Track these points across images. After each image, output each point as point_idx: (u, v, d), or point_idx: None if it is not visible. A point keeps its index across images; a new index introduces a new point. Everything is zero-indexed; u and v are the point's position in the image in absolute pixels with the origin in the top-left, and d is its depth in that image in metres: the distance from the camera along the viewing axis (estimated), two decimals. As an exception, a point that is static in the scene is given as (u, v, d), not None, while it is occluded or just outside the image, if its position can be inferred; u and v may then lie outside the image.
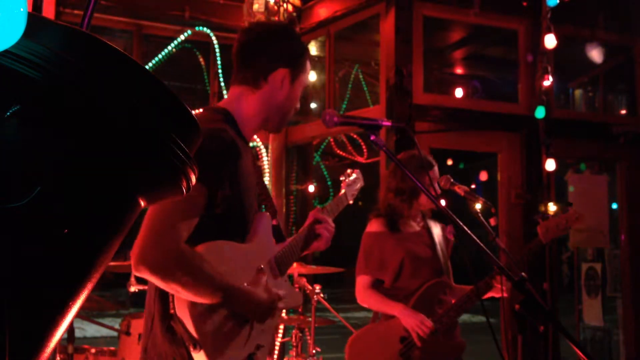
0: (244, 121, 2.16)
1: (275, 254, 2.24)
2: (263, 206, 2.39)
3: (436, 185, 3.32)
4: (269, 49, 2.19)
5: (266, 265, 2.18)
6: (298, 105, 2.30)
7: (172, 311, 1.96)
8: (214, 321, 1.99)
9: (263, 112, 2.19)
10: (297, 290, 2.49)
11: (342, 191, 2.73)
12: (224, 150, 2.00)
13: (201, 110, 2.25)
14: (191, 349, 1.93)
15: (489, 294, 3.40)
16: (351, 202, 2.80)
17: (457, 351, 3.46)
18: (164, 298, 2.00)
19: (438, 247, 3.52)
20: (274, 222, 2.28)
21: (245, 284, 2.05)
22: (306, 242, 2.36)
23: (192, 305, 1.93)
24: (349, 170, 2.82)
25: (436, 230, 3.59)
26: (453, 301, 3.44)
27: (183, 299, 1.93)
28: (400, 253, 3.43)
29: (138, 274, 1.87)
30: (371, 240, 3.52)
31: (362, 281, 3.50)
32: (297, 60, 2.22)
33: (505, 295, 3.30)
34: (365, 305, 3.52)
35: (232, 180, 2.02)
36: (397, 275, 3.43)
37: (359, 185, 2.83)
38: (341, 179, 2.80)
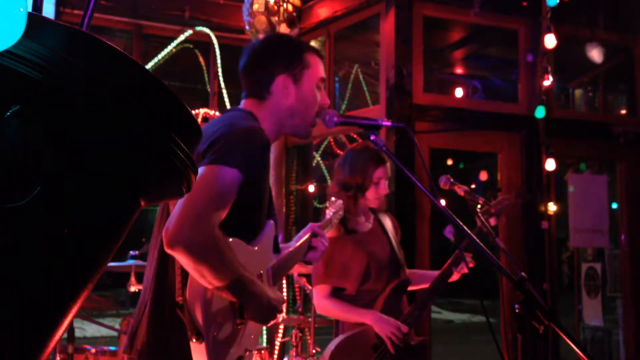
0: (265, 129, 2.20)
1: (272, 264, 2.26)
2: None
3: (385, 184, 3.31)
4: (263, 62, 2.24)
5: (264, 273, 2.19)
6: (324, 101, 2.29)
7: (179, 299, 1.97)
8: (221, 317, 2.00)
9: (276, 121, 2.23)
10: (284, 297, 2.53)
11: (328, 217, 2.75)
12: (264, 148, 2.08)
13: (230, 110, 2.32)
14: (193, 339, 1.93)
15: (453, 278, 3.31)
16: (333, 230, 2.92)
17: (422, 350, 3.35)
18: (167, 285, 2.02)
19: (393, 242, 3.43)
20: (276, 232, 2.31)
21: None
22: (306, 252, 2.43)
23: (206, 298, 1.95)
24: (333, 199, 2.87)
25: (387, 223, 3.49)
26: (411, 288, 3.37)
27: (197, 289, 1.94)
28: (363, 257, 3.30)
29: (171, 252, 1.89)
30: (329, 246, 3.18)
31: (321, 291, 3.32)
32: (292, 61, 2.23)
33: (466, 270, 3.21)
34: (327, 315, 3.40)
35: (261, 178, 2.08)
36: (362, 280, 3.29)
37: (340, 214, 2.85)
38: (327, 205, 2.84)
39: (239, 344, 2.08)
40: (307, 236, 2.41)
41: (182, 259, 1.89)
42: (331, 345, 3.28)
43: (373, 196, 3.36)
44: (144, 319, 2.06)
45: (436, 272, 3.38)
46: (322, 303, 3.33)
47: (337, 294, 3.33)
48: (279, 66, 2.22)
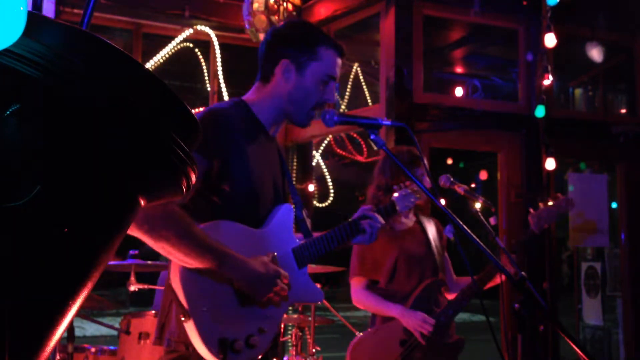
0: (260, 111, 2.25)
1: (294, 247, 2.25)
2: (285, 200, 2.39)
3: (427, 179, 3.31)
4: (276, 43, 2.29)
5: (280, 255, 2.19)
6: (328, 97, 2.29)
7: (169, 281, 1.99)
8: (209, 293, 2.00)
9: (275, 104, 2.26)
10: (317, 286, 2.47)
11: (392, 199, 2.67)
12: (228, 125, 2.11)
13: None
14: (181, 318, 1.94)
15: (490, 285, 3.34)
16: (401, 212, 2.77)
17: (456, 349, 3.42)
18: None
19: (432, 243, 3.47)
20: (301, 216, 2.31)
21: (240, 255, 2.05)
22: (350, 235, 2.38)
23: (185, 275, 1.95)
24: (407, 182, 2.77)
25: (430, 227, 3.55)
26: (450, 297, 3.39)
27: (177, 269, 1.95)
28: (394, 252, 3.39)
29: (129, 232, 1.88)
30: None
31: (357, 283, 3.45)
32: (300, 49, 2.24)
33: (503, 279, 3.26)
34: (362, 308, 3.48)
35: (235, 154, 2.09)
36: (391, 274, 3.39)
37: (415, 198, 2.74)
38: (394, 187, 2.79)
39: (245, 322, 2.06)
40: (354, 219, 2.40)
41: (141, 237, 1.89)
42: (355, 339, 3.42)
43: None
44: (171, 308, 2.07)
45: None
46: (357, 295, 3.44)
47: (372, 286, 3.45)
48: (286, 50, 2.25)
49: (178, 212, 1.91)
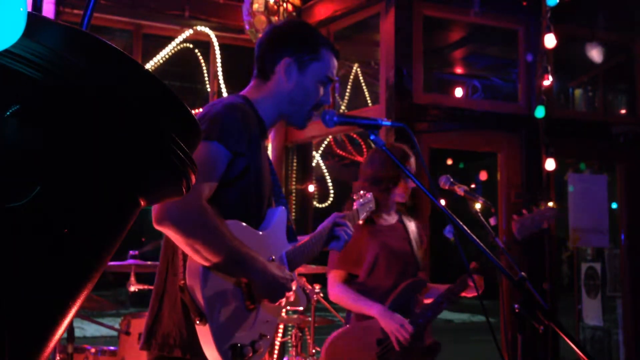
0: (261, 110, 2.22)
1: (287, 251, 2.25)
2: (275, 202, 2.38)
3: (410, 184, 3.32)
4: (276, 41, 2.26)
5: (277, 259, 2.19)
6: (325, 99, 2.30)
7: (181, 282, 1.95)
8: (224, 297, 1.97)
9: (275, 104, 2.24)
10: (302, 292, 2.48)
11: (355, 208, 2.73)
12: (249, 122, 2.09)
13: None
14: (196, 322, 1.90)
15: (464, 294, 3.33)
16: (361, 222, 2.85)
17: (433, 351, 3.36)
18: (176, 274, 2.01)
19: (414, 242, 3.45)
20: (288, 223, 2.30)
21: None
22: (325, 242, 2.41)
23: (204, 277, 1.92)
24: (361, 192, 2.86)
25: (411, 226, 3.52)
26: (426, 301, 3.35)
27: (195, 268, 1.93)
28: (375, 247, 3.35)
29: (160, 228, 1.88)
30: None
31: (335, 276, 3.37)
32: (303, 47, 2.23)
33: (479, 292, 3.25)
34: (338, 303, 3.42)
35: (253, 153, 2.08)
36: (371, 269, 3.34)
37: (370, 207, 2.84)
38: (353, 197, 2.82)
39: (250, 328, 2.05)
40: (328, 225, 2.41)
41: (172, 234, 1.89)
42: (331, 336, 3.33)
43: (402, 190, 3.40)
44: (163, 312, 2.04)
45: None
46: (335, 290, 3.36)
47: (350, 281, 3.37)
48: (288, 48, 2.23)
49: (210, 210, 1.91)
